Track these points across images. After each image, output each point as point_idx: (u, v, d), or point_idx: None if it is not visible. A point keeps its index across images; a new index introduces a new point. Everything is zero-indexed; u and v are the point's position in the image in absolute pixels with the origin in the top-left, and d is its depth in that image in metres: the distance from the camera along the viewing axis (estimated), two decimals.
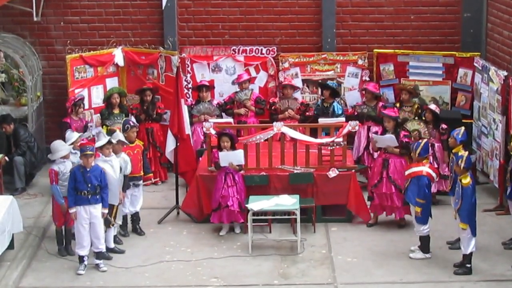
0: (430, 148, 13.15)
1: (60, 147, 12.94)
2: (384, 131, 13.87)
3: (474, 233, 12.18)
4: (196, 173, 14.26)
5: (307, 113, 16.10)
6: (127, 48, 16.75)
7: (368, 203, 14.10)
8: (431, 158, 13.94)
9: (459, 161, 12.11)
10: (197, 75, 16.76)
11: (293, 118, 15.68)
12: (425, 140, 13.12)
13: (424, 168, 12.76)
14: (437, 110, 14.68)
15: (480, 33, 16.61)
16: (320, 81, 16.52)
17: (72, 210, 12.39)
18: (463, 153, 12.29)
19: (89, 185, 12.35)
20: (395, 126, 13.81)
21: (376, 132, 14.01)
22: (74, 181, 12.33)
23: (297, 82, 16.58)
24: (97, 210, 12.45)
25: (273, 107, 15.94)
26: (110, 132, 13.61)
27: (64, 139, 13.44)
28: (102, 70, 16.57)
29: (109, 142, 12.88)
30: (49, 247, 13.33)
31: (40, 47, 17.03)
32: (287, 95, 15.90)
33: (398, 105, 15.65)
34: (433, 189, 14.19)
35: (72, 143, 13.26)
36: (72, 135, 13.57)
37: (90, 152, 12.36)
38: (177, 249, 13.32)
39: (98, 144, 12.84)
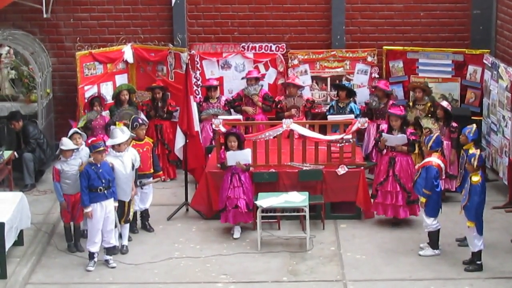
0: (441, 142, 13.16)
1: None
2: (390, 129, 13.84)
3: (480, 232, 12.16)
4: (205, 170, 14.27)
5: (316, 110, 16.12)
6: (136, 45, 16.77)
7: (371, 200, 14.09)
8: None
9: (472, 159, 12.08)
10: (206, 72, 16.77)
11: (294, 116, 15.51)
12: (436, 134, 13.15)
13: (434, 159, 12.76)
14: (449, 108, 14.64)
15: (489, 30, 16.58)
16: (336, 81, 16.42)
17: (88, 209, 12.40)
18: (475, 151, 12.27)
19: (103, 180, 12.40)
20: (402, 124, 13.80)
21: (383, 131, 13.99)
22: (88, 179, 12.36)
23: (307, 79, 16.57)
24: (111, 204, 12.55)
25: (279, 105, 15.92)
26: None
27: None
28: (112, 67, 16.59)
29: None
30: (58, 244, 13.36)
31: (50, 44, 17.06)
32: (291, 93, 15.85)
33: (411, 103, 15.62)
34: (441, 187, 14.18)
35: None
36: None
37: (103, 148, 12.46)
38: (186, 246, 13.34)
39: (118, 140, 12.78)
